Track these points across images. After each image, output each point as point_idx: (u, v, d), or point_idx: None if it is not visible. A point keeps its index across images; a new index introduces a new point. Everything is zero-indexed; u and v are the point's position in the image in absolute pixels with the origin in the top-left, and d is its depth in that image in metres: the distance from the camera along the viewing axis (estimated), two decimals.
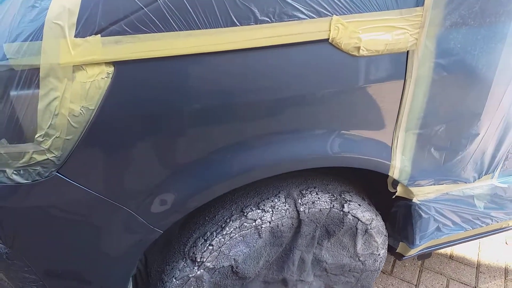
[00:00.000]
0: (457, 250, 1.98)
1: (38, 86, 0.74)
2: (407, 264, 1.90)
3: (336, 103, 0.89)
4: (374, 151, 0.99)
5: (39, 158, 0.79)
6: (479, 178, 1.24)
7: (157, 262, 1.12)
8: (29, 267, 0.95)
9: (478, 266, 1.91)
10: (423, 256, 1.61)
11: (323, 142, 0.93)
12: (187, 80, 0.78)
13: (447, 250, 1.98)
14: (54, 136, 0.77)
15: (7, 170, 0.81)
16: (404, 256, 1.44)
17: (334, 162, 0.98)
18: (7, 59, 0.72)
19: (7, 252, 0.92)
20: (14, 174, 0.81)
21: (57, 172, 0.81)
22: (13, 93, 0.74)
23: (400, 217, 1.32)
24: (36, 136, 0.77)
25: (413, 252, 1.40)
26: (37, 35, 0.71)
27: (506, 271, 1.89)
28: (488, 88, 1.01)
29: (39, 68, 0.72)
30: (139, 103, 0.78)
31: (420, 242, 1.34)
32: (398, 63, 0.90)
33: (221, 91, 0.81)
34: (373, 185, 1.31)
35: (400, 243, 1.39)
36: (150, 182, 0.87)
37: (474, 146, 1.13)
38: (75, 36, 0.71)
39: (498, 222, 1.47)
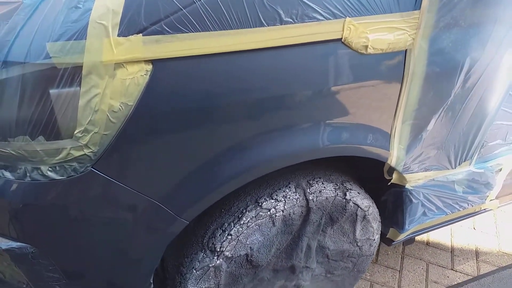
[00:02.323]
0: (432, 237, 2.15)
1: (79, 84, 0.77)
2: (389, 253, 2.03)
3: (347, 97, 0.99)
4: (378, 141, 1.10)
5: (76, 153, 0.82)
6: (459, 164, 1.38)
7: (174, 256, 1.16)
8: (53, 266, 0.96)
9: (452, 250, 2.08)
10: (408, 242, 1.74)
11: (336, 133, 1.02)
12: (219, 77, 0.84)
13: (424, 237, 2.14)
14: (93, 132, 0.80)
15: (42, 167, 0.83)
16: (393, 241, 1.55)
17: (344, 152, 1.07)
18: (50, 57, 0.75)
19: (33, 252, 0.93)
20: (49, 171, 0.83)
21: (92, 167, 0.84)
22: (53, 91, 0.77)
23: (390, 204, 1.44)
24: (75, 132, 0.80)
25: (402, 237, 1.52)
26: (80, 34, 0.75)
27: (476, 253, 2.07)
28: (471, 85, 1.15)
29: (81, 66, 0.76)
30: (175, 99, 0.83)
31: (409, 226, 1.46)
32: (398, 61, 1.01)
33: (250, 87, 0.87)
34: (361, 176, 1.42)
35: (390, 229, 1.51)
36: (180, 174, 0.92)
37: (457, 135, 1.27)
38: (118, 35, 0.76)
39: (472, 206, 1.63)
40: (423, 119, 1.15)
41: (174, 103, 0.83)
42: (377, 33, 0.94)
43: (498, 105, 1.24)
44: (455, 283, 1.88)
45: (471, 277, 1.91)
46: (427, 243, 2.11)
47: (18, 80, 0.77)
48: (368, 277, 1.88)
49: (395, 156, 1.17)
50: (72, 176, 0.84)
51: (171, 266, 1.15)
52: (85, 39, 0.74)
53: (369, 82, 0.99)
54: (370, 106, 1.04)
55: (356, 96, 1.00)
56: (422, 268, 1.96)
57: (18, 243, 0.92)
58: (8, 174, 0.86)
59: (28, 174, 0.84)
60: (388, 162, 1.18)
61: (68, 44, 0.75)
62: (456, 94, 1.14)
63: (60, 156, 0.81)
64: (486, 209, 1.75)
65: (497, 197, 1.69)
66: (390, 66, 1.01)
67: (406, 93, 1.06)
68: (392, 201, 1.43)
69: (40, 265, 0.95)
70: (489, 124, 1.28)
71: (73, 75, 0.76)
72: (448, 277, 1.92)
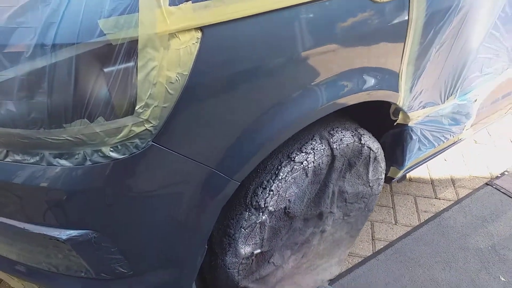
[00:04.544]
0: (413, 174, 2.35)
1: (134, 59, 0.77)
2: (380, 193, 2.21)
3: (367, 44, 1.06)
4: (390, 84, 1.20)
5: (137, 130, 0.82)
6: (447, 99, 1.53)
7: (217, 221, 1.20)
8: (115, 248, 0.97)
9: (432, 182, 2.30)
10: (402, 178, 1.91)
11: (359, 81, 1.10)
12: (267, 37, 0.88)
13: (407, 175, 2.34)
14: (153, 106, 0.81)
15: (103, 148, 0.83)
16: (393, 179, 1.70)
17: (366, 98, 1.16)
18: (104, 34, 0.74)
19: (95, 237, 0.93)
20: (111, 151, 0.83)
21: (153, 142, 0.85)
22: (109, 68, 0.76)
23: (388, 145, 1.57)
24: (136, 108, 0.80)
25: (400, 173, 1.67)
26: (132, 8, 0.74)
27: (452, 181, 2.32)
28: (460, 23, 1.27)
29: (136, 41, 0.75)
30: (224, 64, 0.86)
31: (407, 163, 1.61)
32: (404, 7, 1.10)
33: (294, 44, 0.92)
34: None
35: (391, 168, 1.65)
36: (231, 138, 0.95)
37: (447, 71, 1.41)
38: (169, 5, 0.76)
39: (453, 136, 1.81)
40: (422, 59, 1.26)
41: (223, 68, 0.86)
42: None
43: (481, 41, 1.38)
44: (442, 209, 2.10)
45: (453, 202, 2.15)
46: (410, 179, 2.32)
47: (71, 62, 0.75)
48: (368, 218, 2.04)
49: (402, 96, 1.28)
50: (134, 153, 0.84)
51: (216, 230, 1.19)
52: (137, 12, 0.74)
53: (382, 27, 1.07)
54: (384, 51, 1.13)
55: (373, 42, 1.08)
56: (411, 202, 2.16)
57: (80, 231, 0.92)
58: (64, 162, 0.84)
59: (88, 158, 0.83)
60: (397, 103, 1.28)
61: (121, 19, 0.74)
62: (448, 33, 1.26)
63: (122, 134, 0.81)
64: (462, 139, 1.96)
65: (471, 126, 1.89)
66: (398, 11, 1.09)
67: (411, 36, 1.16)
68: (390, 141, 1.56)
69: (102, 249, 0.96)
70: (472, 59, 1.43)
71: (128, 50, 0.76)
72: (434, 205, 2.14)
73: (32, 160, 0.85)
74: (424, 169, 2.39)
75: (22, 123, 0.80)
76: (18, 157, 0.86)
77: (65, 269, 1.03)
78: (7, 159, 0.87)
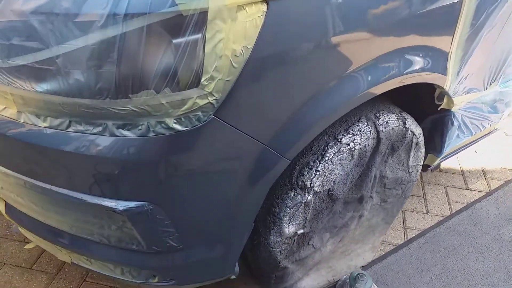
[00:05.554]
0: (443, 165, 2.33)
1: (203, 30, 0.77)
2: None
3: (423, 22, 1.05)
4: (440, 66, 1.18)
5: (201, 102, 0.83)
6: (490, 85, 1.51)
7: None
8: (169, 221, 0.98)
9: (462, 173, 2.28)
10: (436, 167, 1.89)
11: (412, 61, 1.09)
12: (330, 10, 0.87)
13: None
14: (217, 79, 0.81)
15: (167, 120, 0.84)
16: (429, 167, 1.69)
17: (417, 79, 1.14)
18: (176, 5, 0.74)
19: (151, 209, 0.95)
20: (175, 123, 0.84)
21: (214, 115, 0.86)
22: (178, 40, 0.77)
23: (427, 131, 1.55)
24: (202, 80, 0.80)
25: (437, 161, 1.66)
26: None
27: (483, 172, 2.29)
28: (509, 10, 1.25)
29: (206, 12, 0.76)
30: (288, 38, 0.86)
31: (446, 149, 1.59)
32: None
33: (356, 17, 0.91)
34: None
35: (428, 155, 1.64)
36: (285, 114, 0.95)
37: (491, 57, 1.39)
38: None
39: (490, 125, 1.79)
40: (471, 42, 1.24)
41: (286, 42, 0.86)
42: None
43: None
44: (473, 199, 2.07)
45: (485, 193, 2.12)
46: (440, 170, 2.30)
47: (141, 32, 0.76)
48: None
49: (449, 80, 1.27)
50: (196, 125, 0.85)
51: (260, 209, 1.20)
52: None
53: (437, 6, 1.06)
54: (437, 31, 1.11)
55: (428, 21, 1.06)
56: (442, 192, 2.14)
57: (136, 202, 0.93)
58: (127, 133, 0.85)
59: (151, 129, 0.84)
60: (444, 86, 1.27)
61: None
62: (499, 17, 1.24)
63: (186, 106, 0.82)
64: (497, 129, 1.93)
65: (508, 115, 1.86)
66: None
67: (464, 17, 1.14)
68: (430, 127, 1.54)
69: (157, 222, 0.97)
70: None
71: (197, 21, 0.76)
72: (465, 196, 2.11)
73: (94, 131, 0.86)
74: (454, 160, 2.36)
75: (89, 93, 0.81)
76: (80, 127, 0.87)
77: (117, 241, 1.04)
78: (69, 129, 0.88)
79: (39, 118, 0.89)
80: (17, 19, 0.78)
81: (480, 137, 1.86)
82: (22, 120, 0.91)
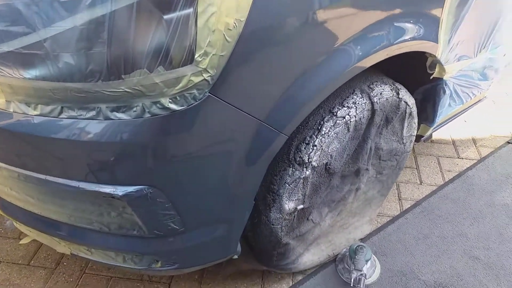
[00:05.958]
0: (434, 136, 2.35)
1: (195, 5, 0.75)
2: None
3: None
4: (432, 34, 1.18)
5: (196, 79, 0.81)
6: (480, 52, 1.52)
7: None
8: (169, 203, 0.97)
9: (453, 143, 2.31)
10: (428, 138, 1.91)
11: (404, 29, 1.08)
12: None
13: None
14: (211, 54, 0.79)
15: (162, 99, 0.82)
16: (422, 137, 1.70)
17: (408, 48, 1.14)
18: None
19: (151, 192, 0.93)
20: (170, 102, 0.82)
21: (209, 92, 0.84)
22: (169, 15, 0.74)
23: (419, 101, 1.56)
24: (195, 56, 0.78)
25: (429, 131, 1.67)
26: None
27: (473, 141, 2.32)
28: None
29: None
30: (281, 10, 0.84)
31: (438, 119, 1.60)
32: None
33: None
34: None
35: (421, 125, 1.65)
36: (281, 90, 0.94)
37: (482, 24, 1.38)
38: None
39: (480, 93, 1.80)
40: (462, 8, 1.23)
41: (279, 14, 0.84)
42: None
43: None
44: (465, 168, 2.11)
45: (476, 160, 2.16)
46: (432, 141, 2.32)
47: (131, 9, 0.73)
48: None
49: (441, 48, 1.27)
50: (192, 104, 0.83)
51: (259, 187, 1.19)
52: None
53: None
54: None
55: None
56: (434, 162, 2.16)
57: (135, 187, 0.92)
58: (122, 115, 0.83)
59: (147, 110, 0.82)
60: (436, 54, 1.27)
61: None
62: None
63: (181, 84, 0.80)
64: (486, 97, 1.95)
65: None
66: None
67: None
68: (422, 98, 1.55)
69: (157, 205, 0.96)
70: (507, 11, 1.40)
71: None
72: (457, 164, 2.15)
73: (88, 115, 0.84)
74: (445, 130, 2.39)
75: (80, 76, 0.78)
76: (73, 113, 0.85)
77: (117, 227, 1.03)
78: (62, 116, 0.86)
79: (29, 106, 0.86)
80: (0, 3, 0.75)
81: (470, 106, 1.88)
82: (11, 110, 0.88)
